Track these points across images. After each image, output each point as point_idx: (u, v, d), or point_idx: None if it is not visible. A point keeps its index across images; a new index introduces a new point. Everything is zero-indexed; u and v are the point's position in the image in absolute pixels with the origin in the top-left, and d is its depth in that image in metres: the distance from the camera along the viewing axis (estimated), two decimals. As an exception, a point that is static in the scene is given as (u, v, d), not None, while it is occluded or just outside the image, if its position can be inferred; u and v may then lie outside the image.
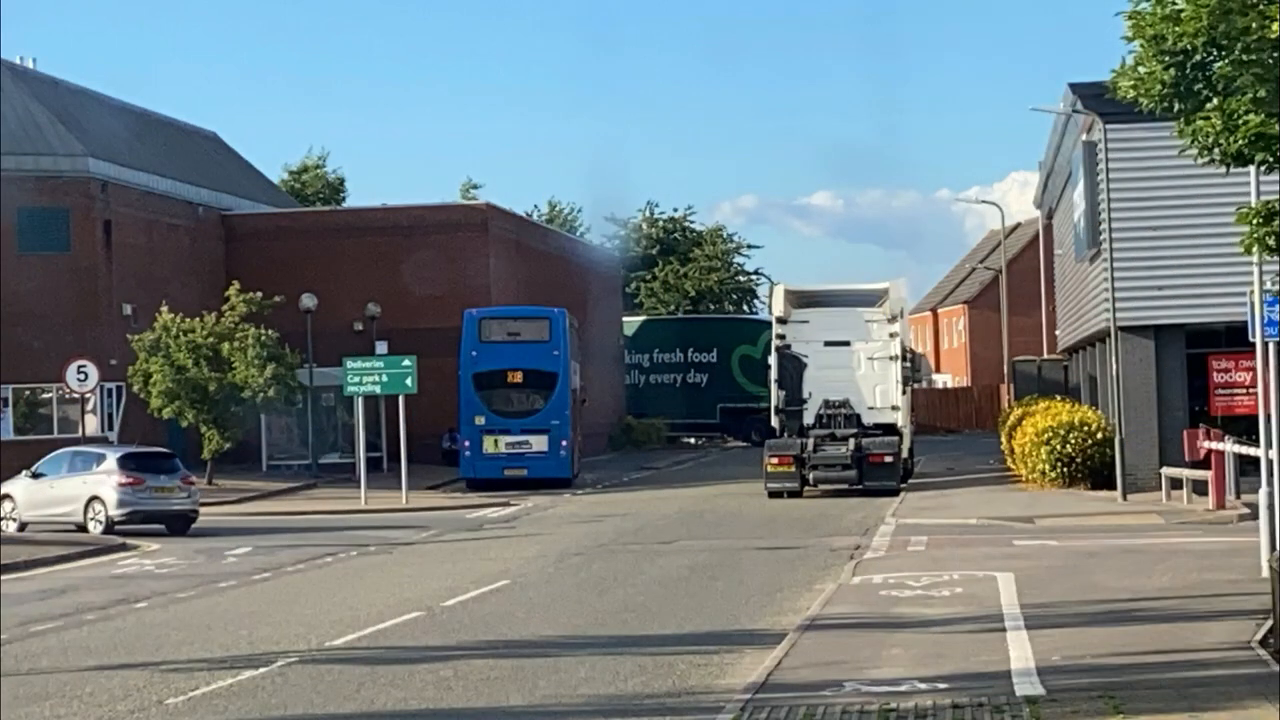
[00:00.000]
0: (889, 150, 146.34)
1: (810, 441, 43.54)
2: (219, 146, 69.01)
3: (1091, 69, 76.27)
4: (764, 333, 58.77)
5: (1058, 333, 58.54)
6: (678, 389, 77.77)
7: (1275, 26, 15.16)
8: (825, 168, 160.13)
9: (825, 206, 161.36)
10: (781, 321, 45.25)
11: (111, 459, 37.88)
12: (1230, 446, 33.43)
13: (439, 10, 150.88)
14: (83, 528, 37.12)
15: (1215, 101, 16.02)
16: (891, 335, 44.82)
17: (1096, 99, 35.36)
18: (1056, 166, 51.02)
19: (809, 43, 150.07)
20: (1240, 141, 16.03)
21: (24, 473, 39.32)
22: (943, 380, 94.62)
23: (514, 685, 16.94)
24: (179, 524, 37.33)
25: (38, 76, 56.67)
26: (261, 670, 18.06)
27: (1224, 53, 15.71)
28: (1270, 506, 22.56)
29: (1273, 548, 21.34)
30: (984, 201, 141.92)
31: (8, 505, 38.83)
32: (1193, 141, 16.47)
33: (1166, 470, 37.27)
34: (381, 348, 52.41)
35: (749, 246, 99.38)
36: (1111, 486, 38.90)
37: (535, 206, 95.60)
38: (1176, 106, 16.37)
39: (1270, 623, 17.46)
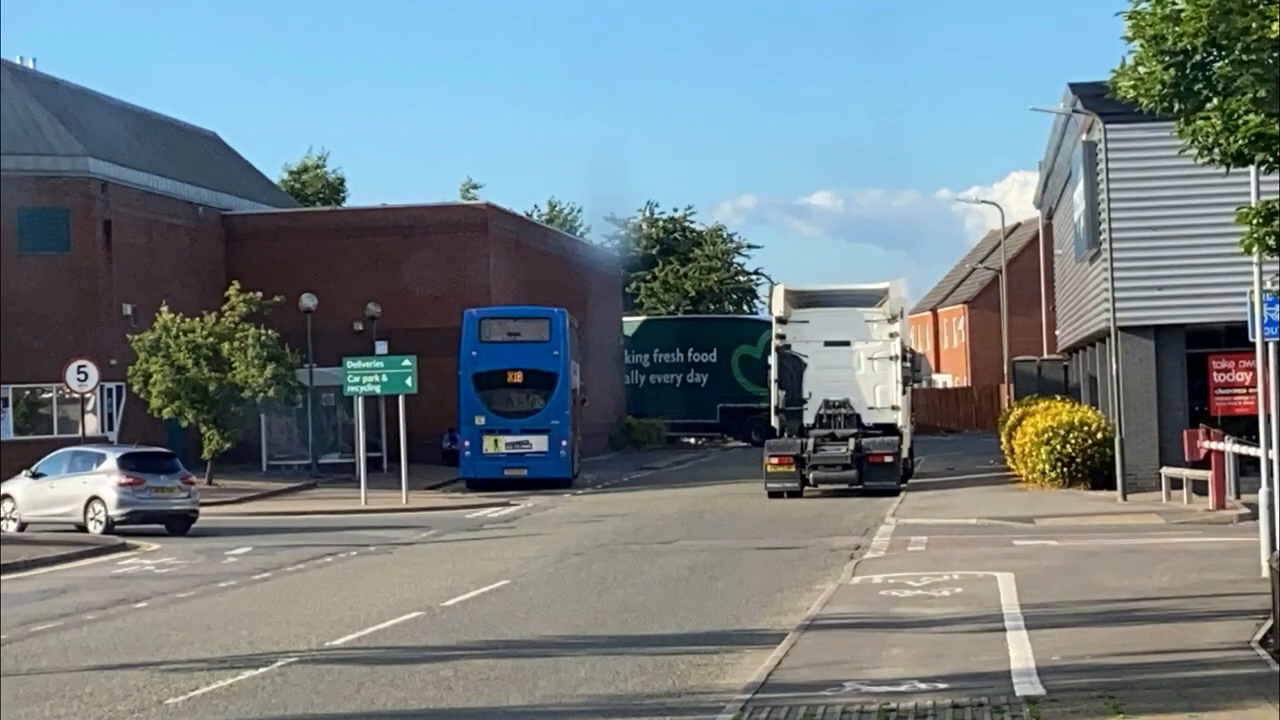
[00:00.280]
0: (889, 150, 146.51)
1: (810, 441, 43.54)
2: (219, 146, 69.01)
3: (1091, 69, 76.34)
4: (764, 333, 58.77)
5: (1058, 333, 58.54)
6: (678, 389, 77.77)
7: (1275, 26, 15.16)
8: (825, 168, 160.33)
9: (825, 206, 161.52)
10: (781, 321, 45.25)
11: (111, 459, 37.88)
12: (1230, 446, 33.42)
13: (439, 10, 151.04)
14: (83, 528, 37.12)
15: (1215, 101, 16.02)
16: (891, 335, 44.82)
17: (1096, 99, 35.36)
18: (1056, 166, 51.02)
19: (809, 43, 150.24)
20: (1240, 141, 16.03)
21: (24, 473, 39.32)
22: (943, 380, 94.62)
23: (514, 685, 16.94)
24: (179, 524, 37.33)
25: (38, 76, 56.68)
26: (261, 670, 18.06)
27: (1224, 53, 15.71)
28: (1270, 506, 22.56)
29: (1273, 548, 21.34)
30: (984, 201, 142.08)
31: (8, 505, 38.83)
32: (1193, 141, 16.47)
33: (1166, 470, 37.27)
34: (381, 348, 52.41)
35: (749, 246, 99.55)
36: (1111, 486, 38.90)
37: (535, 206, 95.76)
38: (1176, 106, 16.37)
39: (1270, 623, 17.46)
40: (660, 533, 34.74)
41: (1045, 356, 62.48)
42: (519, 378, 51.28)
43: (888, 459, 43.39)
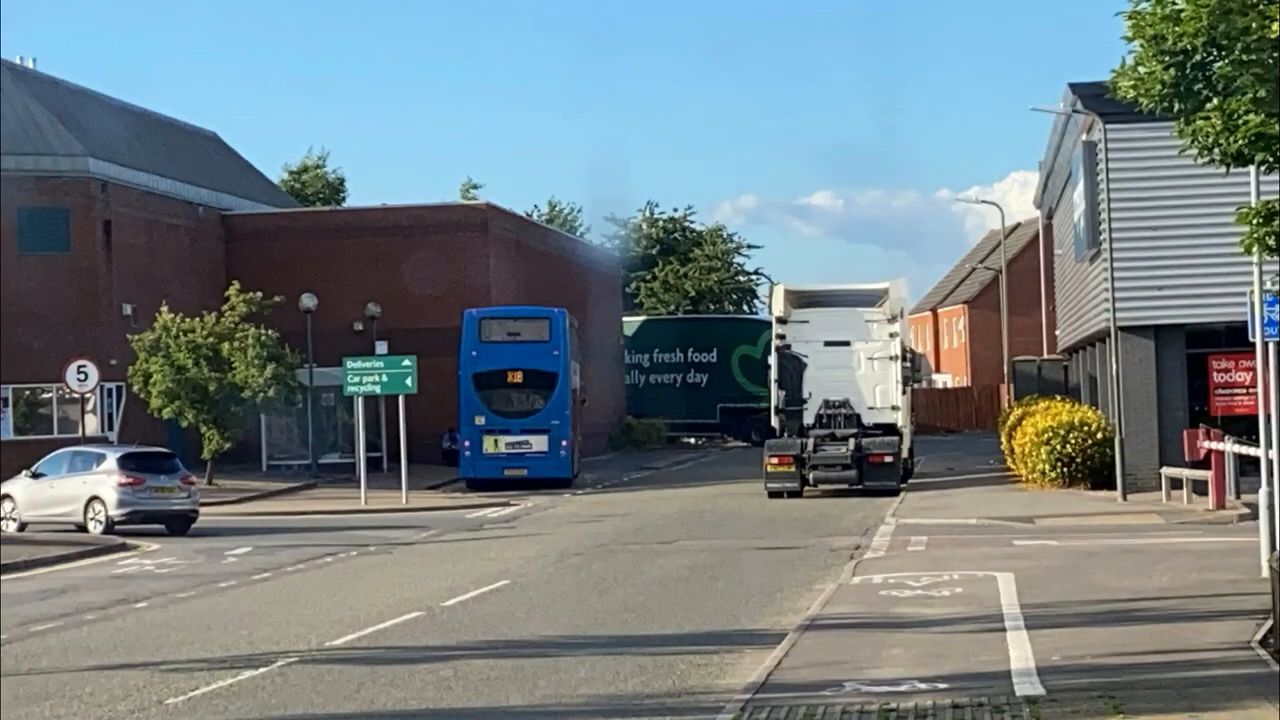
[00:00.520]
0: (889, 150, 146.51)
1: (810, 441, 43.54)
2: (219, 146, 69.01)
3: (1091, 69, 76.34)
4: (764, 333, 58.77)
5: (1058, 333, 58.54)
6: (678, 389, 77.77)
7: (1275, 26, 15.16)
8: (825, 168, 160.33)
9: (825, 206, 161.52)
10: (781, 321, 45.25)
11: (111, 459, 37.88)
12: (1230, 446, 33.42)
13: (439, 10, 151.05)
14: (83, 528, 37.12)
15: (1215, 101, 16.02)
16: (891, 335, 44.82)
17: (1096, 99, 35.36)
18: (1056, 166, 51.02)
19: (809, 43, 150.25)
20: (1240, 141, 16.03)
21: (24, 473, 39.31)
22: (943, 380, 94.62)
23: (514, 685, 16.94)
24: (179, 524, 37.33)
25: (38, 76, 56.68)
26: (261, 670, 18.06)
27: (1224, 53, 15.71)
28: (1270, 506, 22.56)
29: (1273, 548, 21.34)
30: (984, 201, 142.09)
31: (8, 505, 38.83)
32: (1193, 141, 16.47)
33: (1166, 470, 37.27)
34: (381, 348, 52.42)
35: (749, 246, 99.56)
36: (1111, 486, 38.90)
37: (535, 206, 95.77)
38: (1176, 106, 16.37)
39: (1270, 623, 17.46)
40: (660, 533, 34.74)
41: (1045, 356, 62.48)
42: (519, 378, 51.28)
43: (888, 459, 43.39)
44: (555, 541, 33.20)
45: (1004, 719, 14.01)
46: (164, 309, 49.56)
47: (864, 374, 44.75)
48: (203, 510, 38.81)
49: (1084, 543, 29.48)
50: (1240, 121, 15.89)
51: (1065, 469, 40.98)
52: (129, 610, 24.04)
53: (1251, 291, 22.71)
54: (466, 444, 50.68)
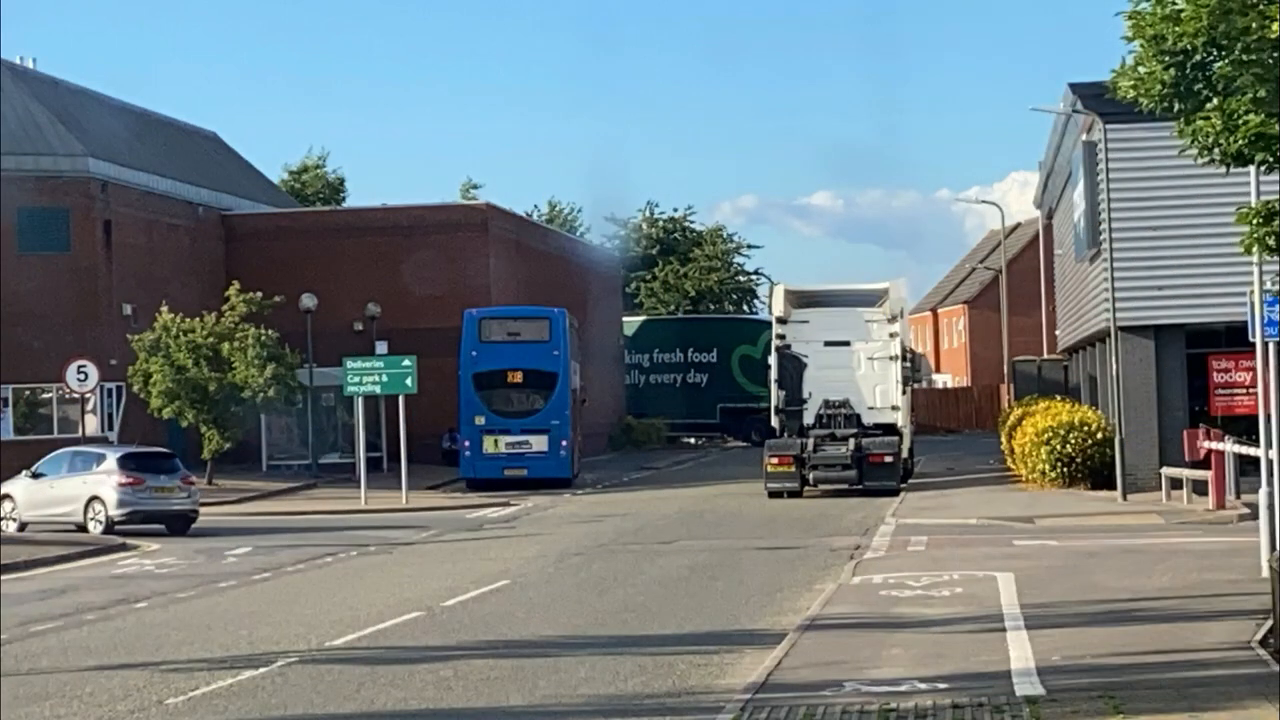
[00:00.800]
0: (889, 150, 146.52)
1: (810, 441, 43.54)
2: (219, 146, 69.01)
3: (1091, 69, 76.33)
4: (764, 333, 58.77)
5: (1058, 333, 58.54)
6: (678, 389, 77.77)
7: (1275, 26, 15.16)
8: (825, 168, 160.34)
9: (825, 206, 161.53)
10: (781, 321, 45.25)
11: (111, 459, 37.87)
12: (1230, 446, 33.42)
13: (439, 10, 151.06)
14: (83, 528, 37.12)
15: (1215, 101, 16.01)
16: (891, 335, 44.82)
17: (1096, 99, 35.36)
18: (1056, 166, 51.02)
19: (809, 43, 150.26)
20: (1240, 141, 16.03)
21: (24, 473, 39.31)
22: (943, 380, 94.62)
23: (514, 685, 16.94)
24: (179, 524, 37.33)
25: (38, 76, 56.68)
26: (261, 670, 18.06)
27: (1224, 53, 15.71)
28: (1270, 506, 22.56)
29: (1273, 548, 21.34)
30: (984, 201, 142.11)
31: (8, 505, 38.82)
32: (1193, 141, 16.47)
33: (1166, 470, 37.26)
34: (381, 348, 52.41)
35: (749, 246, 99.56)
36: (1111, 486, 38.90)
37: (535, 206, 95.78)
38: (1176, 106, 16.37)
39: (1270, 623, 17.46)
40: (660, 533, 34.74)
41: (1045, 356, 62.48)
42: (519, 378, 51.28)
43: (888, 459, 43.39)
44: (555, 541, 33.20)
45: (1004, 719, 14.01)
46: (164, 309, 49.56)
47: (864, 374, 44.75)
48: (203, 510, 38.81)
49: (1084, 543, 29.48)
50: (1240, 121, 15.89)
51: (1065, 469, 40.98)
52: (129, 610, 24.04)
53: (1251, 291, 22.71)
54: (466, 444, 50.68)
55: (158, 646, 20.28)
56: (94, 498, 37.16)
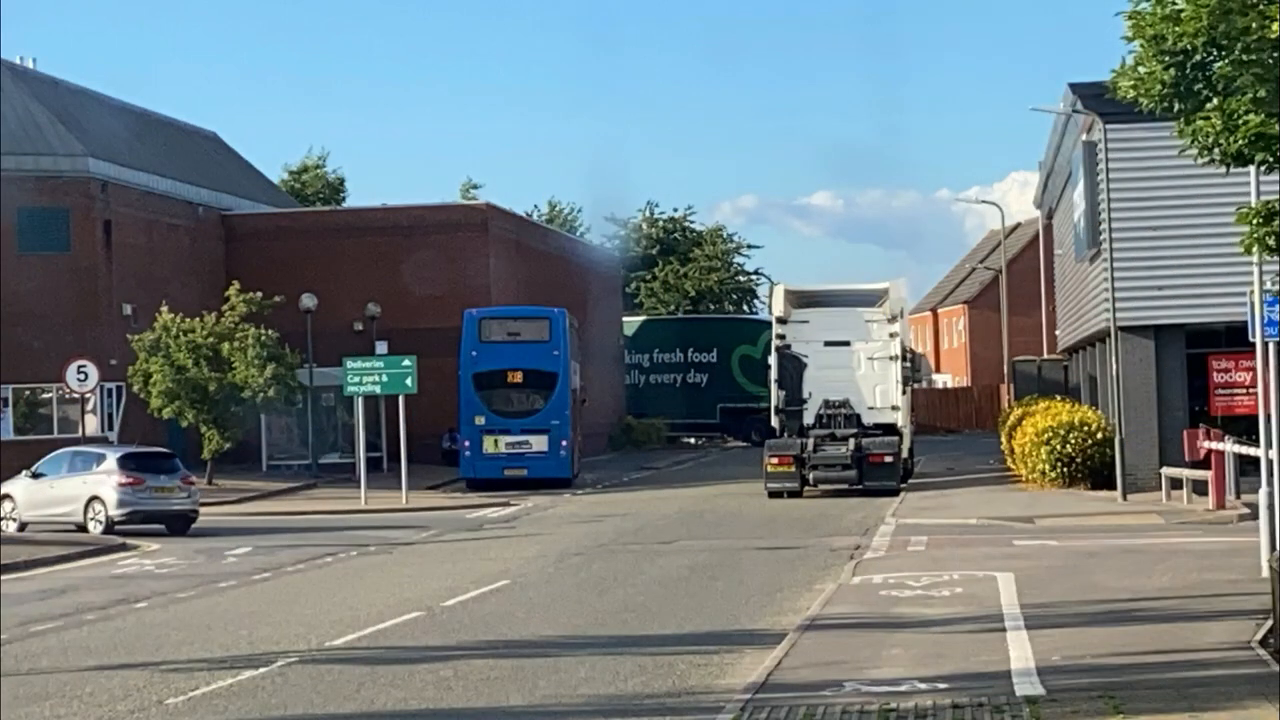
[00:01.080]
0: (889, 150, 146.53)
1: (810, 441, 43.54)
2: (219, 146, 69.01)
3: (1091, 69, 76.33)
4: (764, 333, 58.77)
5: (1058, 333, 58.54)
6: (678, 389, 77.77)
7: (1275, 26, 15.16)
8: (825, 168, 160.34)
9: (825, 206, 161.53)
10: (781, 321, 45.25)
11: (111, 459, 37.87)
12: (1230, 446, 33.42)
13: (439, 10, 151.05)
14: (83, 528, 37.12)
15: (1215, 101, 16.01)
16: (891, 335, 44.82)
17: (1096, 99, 35.36)
18: (1056, 166, 51.02)
19: (809, 43, 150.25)
20: (1240, 141, 16.03)
21: (24, 473, 39.31)
22: (943, 380, 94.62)
23: (514, 685, 16.94)
24: (179, 524, 37.33)
25: (38, 76, 56.68)
26: (261, 670, 18.06)
27: (1224, 53, 15.71)
28: (1270, 506, 22.56)
29: (1273, 548, 21.34)
30: (984, 201, 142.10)
31: (8, 505, 38.83)
32: (1193, 141, 16.47)
33: (1166, 470, 37.26)
34: (381, 348, 52.41)
35: (749, 246, 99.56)
36: (1111, 486, 38.90)
37: (535, 206, 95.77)
38: (1176, 106, 16.37)
39: (1270, 623, 17.46)
40: (660, 533, 34.74)
41: (1045, 356, 62.48)
42: (519, 378, 51.28)
43: (888, 459, 43.39)
44: (555, 541, 33.20)
45: (1004, 719, 14.01)
46: (164, 309, 49.56)
47: (864, 374, 44.74)
48: (203, 510, 38.81)
49: (1084, 543, 29.48)
50: (1240, 121, 15.89)
51: (1065, 469, 40.97)
52: (129, 610, 24.04)
53: (1251, 291, 22.71)
54: (466, 444, 50.68)
55: (158, 646, 20.28)
56: (94, 498, 37.16)
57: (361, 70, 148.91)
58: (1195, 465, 35.50)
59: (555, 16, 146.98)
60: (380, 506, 43.98)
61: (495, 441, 50.27)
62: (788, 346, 44.88)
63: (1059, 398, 48.32)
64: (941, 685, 15.45)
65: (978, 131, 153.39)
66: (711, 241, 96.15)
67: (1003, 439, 51.35)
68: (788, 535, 33.44)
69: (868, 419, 44.33)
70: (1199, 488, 35.36)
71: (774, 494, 43.32)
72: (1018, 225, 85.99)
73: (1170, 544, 28.29)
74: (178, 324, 49.01)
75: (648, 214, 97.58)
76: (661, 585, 25.51)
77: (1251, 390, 33.10)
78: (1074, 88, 40.63)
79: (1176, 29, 15.60)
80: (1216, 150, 16.36)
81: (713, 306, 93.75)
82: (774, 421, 45.03)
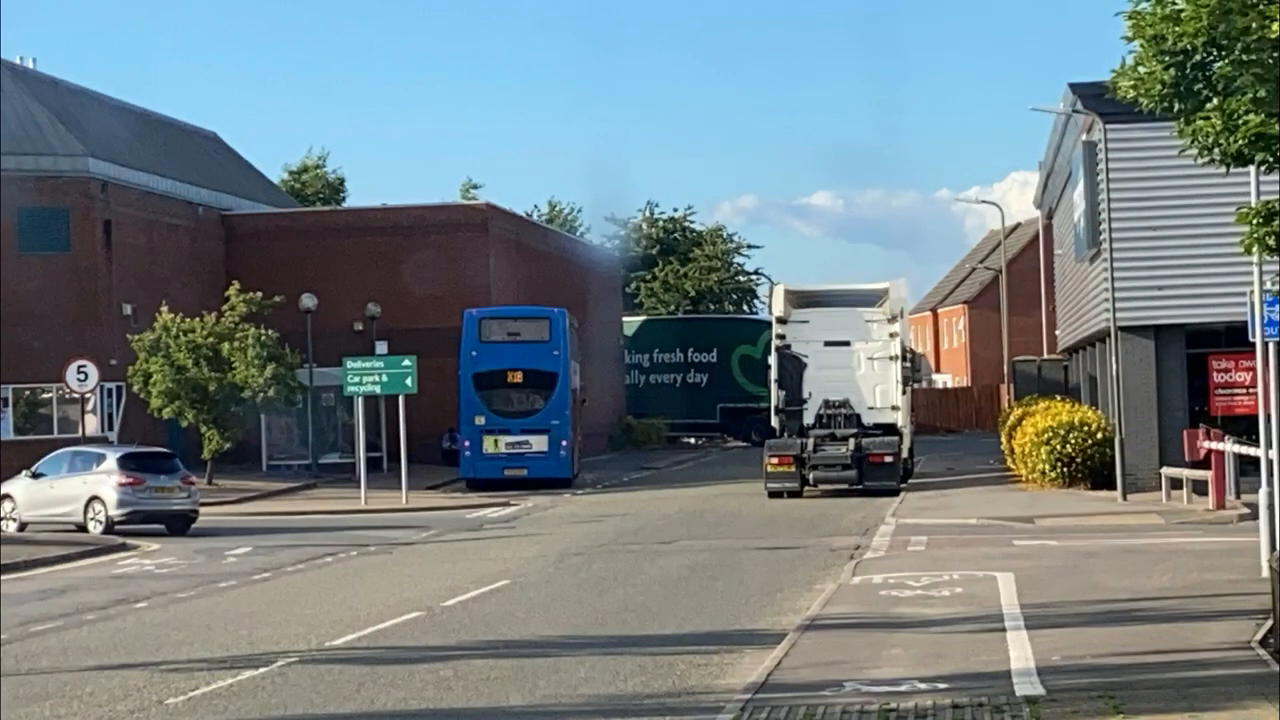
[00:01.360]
0: (889, 150, 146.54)
1: (810, 441, 43.54)
2: (219, 146, 69.01)
3: (1091, 69, 76.33)
4: (764, 333, 58.78)
5: (1058, 333, 58.54)
6: (678, 389, 77.77)
7: (1275, 26, 15.16)
8: (825, 168, 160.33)
9: (825, 206, 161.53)
10: (781, 321, 45.25)
11: (111, 459, 37.87)
12: (1230, 446, 33.42)
13: (439, 10, 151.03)
14: (83, 528, 37.12)
15: (1215, 101, 16.01)
16: (891, 335, 44.82)
17: (1096, 99, 35.36)
18: (1056, 166, 51.02)
19: (809, 43, 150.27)
20: (1240, 141, 16.03)
21: (24, 473, 39.31)
22: (943, 380, 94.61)
23: (514, 685, 16.94)
24: (179, 524, 37.33)
25: (38, 76, 56.68)
26: (261, 670, 18.06)
27: (1224, 53, 15.71)
28: (1270, 506, 22.56)
29: (1273, 548, 21.35)
30: (984, 201, 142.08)
31: (8, 505, 38.83)
32: (1193, 141, 16.47)
33: (1166, 470, 37.27)
34: (381, 348, 52.41)
35: (749, 246, 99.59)
36: (1111, 486, 38.90)
37: (535, 206, 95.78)
38: (1176, 106, 16.37)
39: (1270, 623, 17.46)
40: (660, 533, 34.74)
41: (1045, 356, 62.47)
42: (519, 378, 51.28)
43: (888, 459, 43.39)
44: (555, 541, 33.20)
45: (1004, 719, 14.01)
46: (164, 309, 49.57)
47: (864, 374, 44.74)
48: (203, 510, 38.81)
49: (1084, 543, 29.48)
50: (1240, 121, 15.89)
51: (1065, 469, 40.97)
52: (129, 610, 24.04)
53: (1251, 291, 22.71)
54: (466, 444, 50.68)
55: (158, 646, 20.28)
56: (94, 498, 37.16)
57: (361, 70, 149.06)
58: (1195, 465, 35.50)
59: (555, 16, 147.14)
60: (380, 506, 43.98)
61: (495, 441, 50.28)
62: (788, 346, 44.88)
63: (1059, 398, 48.32)
64: (941, 685, 15.45)
65: (978, 131, 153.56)
66: (711, 241, 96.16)
67: (1003, 439, 51.35)
68: (788, 535, 33.44)
69: (868, 419, 44.33)
70: (1199, 488, 35.36)
71: (774, 494, 43.32)
72: (1018, 225, 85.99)
73: (1170, 544, 28.29)
74: (178, 324, 49.01)
75: (648, 214, 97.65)
76: (661, 585, 25.51)
77: (1251, 390, 33.10)
78: (1074, 88, 40.63)
79: (1176, 29, 15.60)
80: (1216, 150, 16.36)
81: (713, 306, 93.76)
82: (774, 421, 45.03)
